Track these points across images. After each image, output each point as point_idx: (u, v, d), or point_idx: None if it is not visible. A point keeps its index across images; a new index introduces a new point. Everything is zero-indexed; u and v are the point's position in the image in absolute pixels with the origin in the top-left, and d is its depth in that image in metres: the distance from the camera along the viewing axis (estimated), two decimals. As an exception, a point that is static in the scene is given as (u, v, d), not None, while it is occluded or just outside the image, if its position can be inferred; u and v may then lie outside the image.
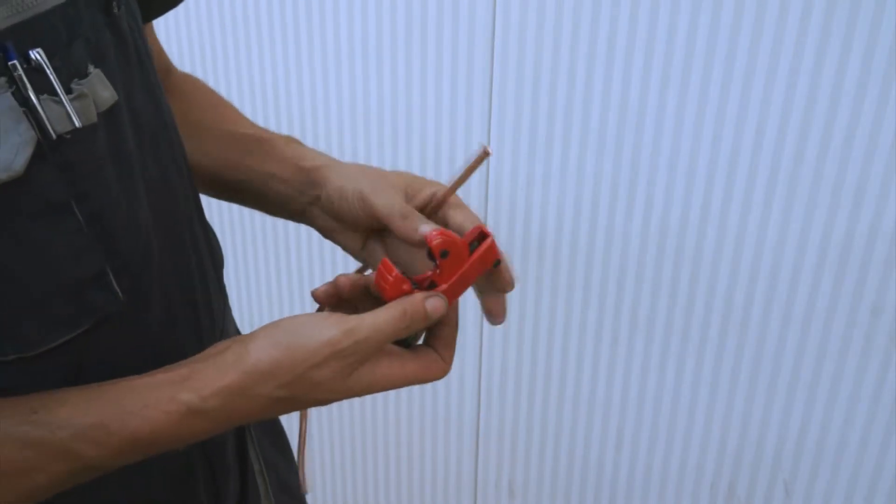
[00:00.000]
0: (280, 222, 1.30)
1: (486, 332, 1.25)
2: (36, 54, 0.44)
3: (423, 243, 0.55)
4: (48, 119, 0.44)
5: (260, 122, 0.73)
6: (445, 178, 1.18)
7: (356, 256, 0.65)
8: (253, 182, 0.67)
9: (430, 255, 0.55)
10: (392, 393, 1.39)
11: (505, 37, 1.06)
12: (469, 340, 1.27)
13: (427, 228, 0.56)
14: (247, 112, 0.74)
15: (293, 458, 0.84)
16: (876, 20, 0.86)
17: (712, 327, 1.08)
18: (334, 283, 0.58)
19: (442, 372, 0.56)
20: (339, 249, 0.67)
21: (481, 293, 0.61)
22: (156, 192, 0.55)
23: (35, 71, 0.44)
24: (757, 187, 0.99)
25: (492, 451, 1.34)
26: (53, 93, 0.44)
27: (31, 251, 0.45)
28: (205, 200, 0.70)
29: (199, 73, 1.32)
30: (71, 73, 0.46)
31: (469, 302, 0.64)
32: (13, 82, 0.43)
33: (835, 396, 1.04)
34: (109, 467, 0.49)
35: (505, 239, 1.16)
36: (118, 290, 0.50)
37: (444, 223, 0.60)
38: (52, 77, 0.44)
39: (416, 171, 1.20)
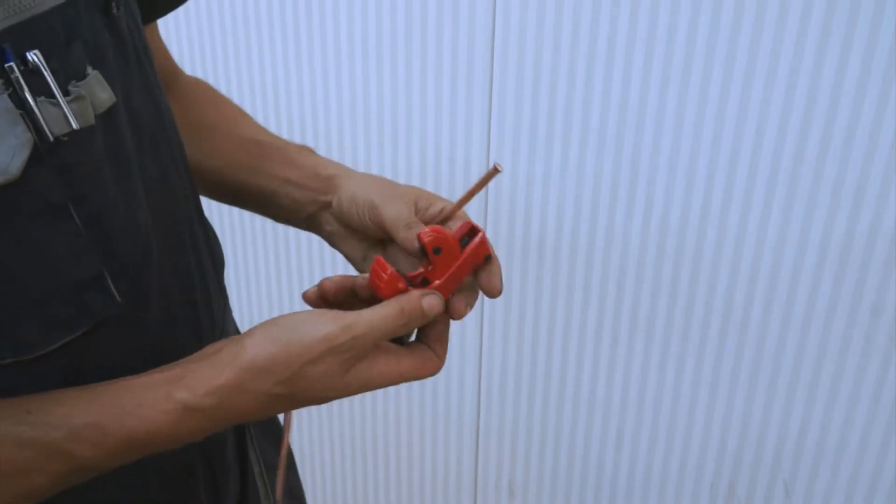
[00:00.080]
0: (280, 222, 1.30)
1: (486, 332, 1.25)
2: (33, 56, 0.43)
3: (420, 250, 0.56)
4: (45, 121, 0.44)
5: (260, 122, 0.73)
6: (445, 178, 1.18)
7: (357, 265, 0.66)
8: (265, 187, 0.67)
9: (423, 252, 0.55)
10: (392, 393, 1.39)
11: (505, 37, 1.06)
12: (469, 340, 1.27)
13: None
14: (247, 111, 0.74)
15: (294, 460, 0.84)
16: (876, 20, 0.86)
17: (712, 327, 1.08)
18: (319, 287, 0.58)
19: (436, 368, 0.56)
20: (339, 250, 0.67)
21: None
22: (155, 193, 0.55)
23: (32, 73, 0.43)
24: (757, 187, 0.99)
25: (492, 451, 1.34)
26: (51, 95, 0.44)
27: (28, 254, 0.45)
28: (205, 201, 0.70)
29: (198, 73, 1.32)
30: (69, 75, 0.46)
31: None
32: (10, 84, 0.43)
33: (835, 396, 1.04)
34: (106, 467, 0.49)
35: (505, 239, 1.16)
36: (115, 293, 0.50)
37: None
38: (49, 79, 0.44)
39: (416, 171, 1.20)
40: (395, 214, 0.59)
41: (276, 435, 0.79)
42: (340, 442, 1.49)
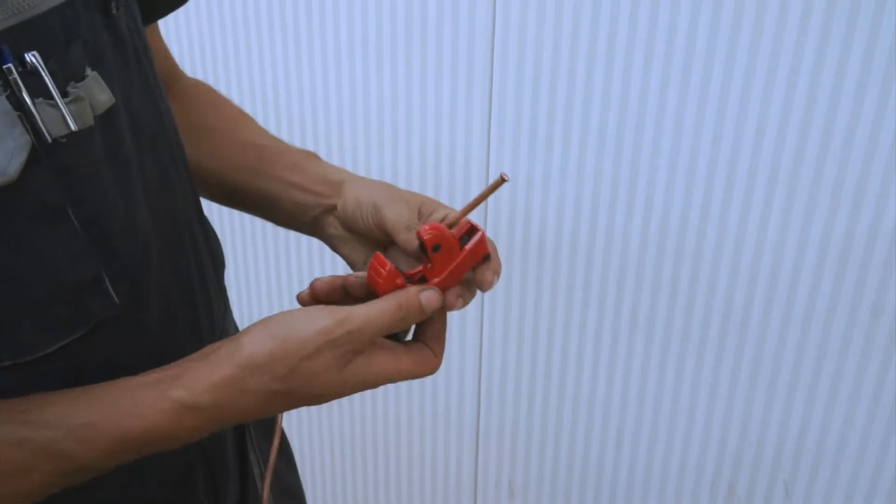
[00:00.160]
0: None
1: (486, 332, 1.25)
2: (31, 57, 0.43)
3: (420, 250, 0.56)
4: (43, 123, 0.44)
5: (260, 122, 0.73)
6: (445, 179, 1.18)
7: (357, 269, 0.66)
8: (266, 189, 0.67)
9: (423, 249, 0.55)
10: (392, 392, 1.39)
11: (505, 37, 1.06)
12: (469, 340, 1.27)
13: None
14: (246, 112, 0.74)
15: (294, 460, 0.84)
16: (876, 20, 0.86)
17: (712, 327, 1.08)
18: (311, 287, 0.58)
19: (434, 366, 0.56)
20: (340, 250, 0.67)
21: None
22: (155, 194, 0.55)
23: (30, 74, 0.43)
24: (757, 187, 0.99)
25: (492, 451, 1.34)
26: (49, 96, 0.44)
27: (26, 256, 0.45)
28: (205, 201, 0.70)
29: (198, 74, 1.32)
30: (67, 76, 0.46)
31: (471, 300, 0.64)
32: (8, 86, 0.43)
33: (835, 396, 1.04)
34: (104, 467, 0.49)
35: (505, 239, 1.16)
36: (114, 295, 0.50)
37: None
38: (47, 80, 0.44)
39: (416, 171, 1.20)
40: (396, 216, 0.59)
41: (274, 433, 0.79)
42: (340, 442, 1.49)
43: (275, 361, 0.50)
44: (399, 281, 0.55)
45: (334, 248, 0.66)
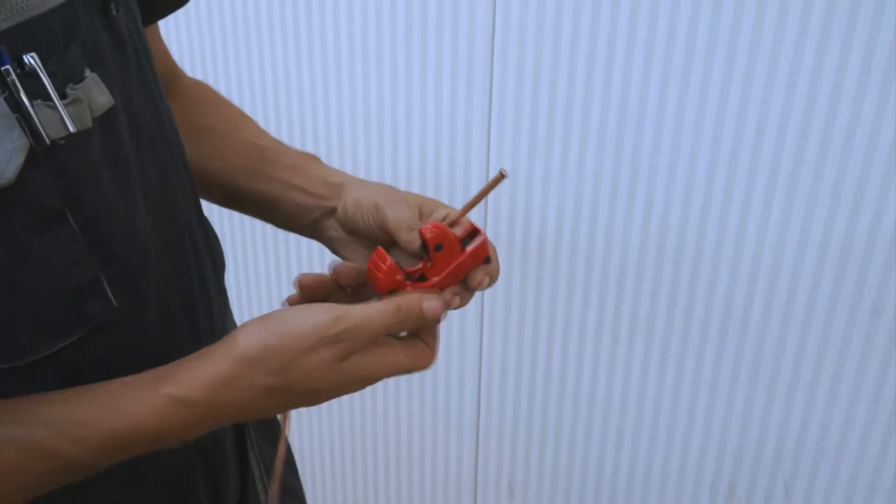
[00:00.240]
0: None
1: (486, 332, 1.25)
2: (30, 59, 0.43)
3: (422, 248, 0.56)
4: (42, 125, 0.44)
5: (260, 122, 0.73)
6: (445, 178, 1.18)
7: None
8: (266, 191, 0.67)
9: (424, 248, 0.55)
10: (392, 392, 1.39)
11: (505, 37, 1.06)
12: (469, 340, 1.27)
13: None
14: (246, 112, 0.74)
15: (294, 461, 0.84)
16: (876, 20, 0.86)
17: (712, 327, 1.08)
18: (297, 282, 0.58)
19: (428, 360, 0.56)
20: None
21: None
22: (155, 194, 0.55)
23: (29, 76, 0.43)
24: (757, 187, 0.98)
25: (492, 451, 1.34)
26: (47, 98, 0.44)
27: (23, 259, 0.45)
28: (205, 202, 0.70)
29: (198, 74, 1.32)
30: (66, 78, 0.45)
31: (470, 301, 0.64)
32: (6, 87, 0.42)
33: (835, 396, 1.04)
34: (96, 466, 0.49)
35: (505, 239, 1.16)
36: (112, 298, 0.50)
37: None
38: (46, 82, 0.44)
39: (416, 171, 1.20)
40: (397, 217, 0.59)
41: (275, 436, 0.79)
42: (340, 442, 1.49)
43: (270, 356, 0.50)
44: (399, 277, 0.55)
45: (334, 251, 0.66)
